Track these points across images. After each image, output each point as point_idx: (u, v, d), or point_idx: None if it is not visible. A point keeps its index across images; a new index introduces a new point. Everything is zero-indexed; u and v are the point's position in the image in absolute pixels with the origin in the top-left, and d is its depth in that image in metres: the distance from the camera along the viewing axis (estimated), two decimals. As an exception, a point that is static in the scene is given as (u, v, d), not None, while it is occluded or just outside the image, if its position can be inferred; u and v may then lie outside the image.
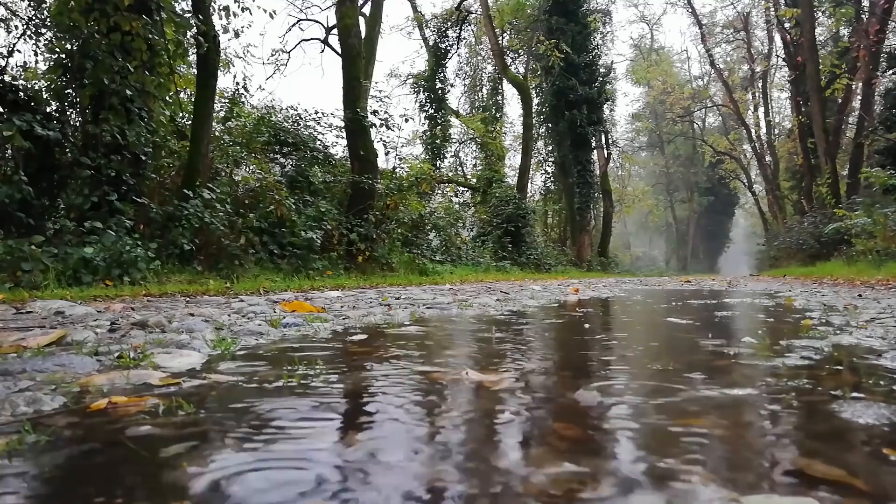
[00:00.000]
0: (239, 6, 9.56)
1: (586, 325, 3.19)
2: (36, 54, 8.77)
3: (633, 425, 1.10)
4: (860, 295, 5.75)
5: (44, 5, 8.57)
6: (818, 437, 1.02)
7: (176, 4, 9.12)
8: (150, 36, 7.90)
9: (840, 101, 22.52)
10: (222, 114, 13.05)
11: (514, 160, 32.45)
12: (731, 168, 43.17)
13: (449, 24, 27.68)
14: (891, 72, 19.78)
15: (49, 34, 8.53)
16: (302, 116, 14.38)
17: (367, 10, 17.72)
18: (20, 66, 8.82)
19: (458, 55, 30.13)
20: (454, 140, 29.08)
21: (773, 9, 28.87)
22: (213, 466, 0.87)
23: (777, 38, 31.91)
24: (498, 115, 29.64)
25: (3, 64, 7.93)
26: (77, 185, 7.32)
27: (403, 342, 2.33)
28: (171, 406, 1.21)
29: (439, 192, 22.84)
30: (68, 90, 7.83)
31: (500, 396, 1.36)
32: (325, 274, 9.89)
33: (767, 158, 34.98)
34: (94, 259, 6.09)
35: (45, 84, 8.10)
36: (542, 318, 3.70)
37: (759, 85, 35.69)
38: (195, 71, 9.98)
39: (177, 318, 2.94)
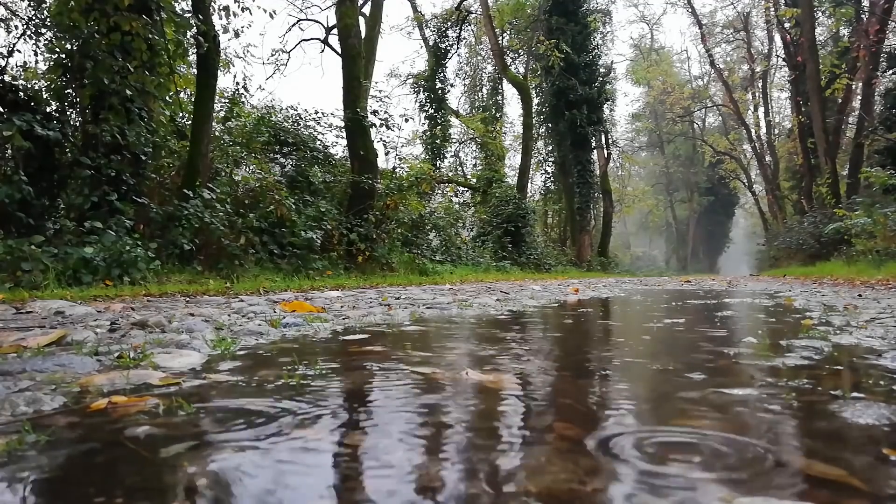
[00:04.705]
0: (239, 6, 9.57)
1: (586, 326, 3.19)
2: (36, 54, 8.79)
3: (633, 425, 1.10)
4: (860, 295, 5.75)
5: (44, 5, 8.57)
6: (818, 437, 1.02)
7: (176, 4, 9.13)
8: (150, 36, 7.90)
9: (840, 101, 22.51)
10: (222, 114, 13.05)
11: (514, 160, 32.51)
12: (731, 168, 43.17)
13: (449, 24, 27.67)
14: (891, 72, 19.79)
15: (49, 34, 8.54)
16: (302, 116, 14.39)
17: (367, 10, 17.74)
18: (20, 66, 8.84)
19: (458, 55, 30.18)
20: (454, 140, 29.10)
21: (773, 9, 28.87)
22: (213, 467, 0.87)
23: (777, 38, 31.95)
24: (498, 115, 29.64)
25: (3, 64, 7.94)
26: (77, 185, 7.32)
27: (403, 342, 2.33)
28: (171, 406, 1.21)
29: (439, 192, 22.82)
30: (68, 90, 7.83)
31: (500, 396, 1.36)
32: (325, 274, 9.89)
33: (767, 158, 34.99)
34: (94, 259, 6.09)
35: (45, 84, 8.10)
36: (542, 319, 3.70)
37: (759, 85, 35.70)
38: (195, 71, 9.99)
39: (177, 318, 2.94)
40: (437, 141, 26.59)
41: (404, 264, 12.92)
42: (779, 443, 0.99)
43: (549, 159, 30.24)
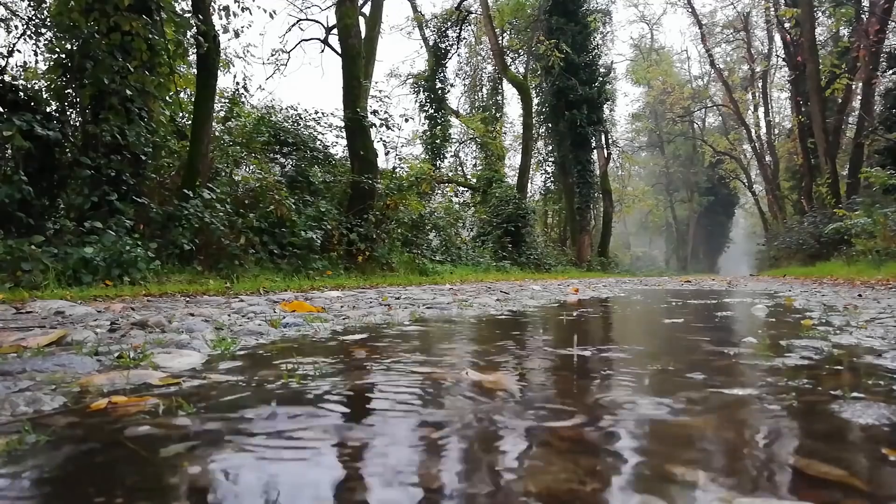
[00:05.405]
0: (239, 6, 9.57)
1: (586, 326, 3.19)
2: (36, 54, 8.78)
3: (633, 425, 1.10)
4: (860, 295, 5.75)
5: (44, 5, 8.57)
6: (818, 437, 1.02)
7: (176, 4, 9.12)
8: (150, 36, 7.90)
9: (840, 101, 22.52)
10: (222, 114, 13.05)
11: (514, 160, 32.52)
12: (731, 168, 43.18)
13: (449, 24, 27.67)
14: (891, 72, 19.79)
15: (49, 34, 8.53)
16: (302, 116, 14.39)
17: (367, 10, 17.73)
18: (20, 66, 8.83)
19: (458, 55, 30.17)
20: (454, 140, 29.08)
21: (773, 9, 28.88)
22: (213, 467, 0.87)
23: (777, 38, 31.97)
24: (498, 115, 29.64)
25: (3, 64, 7.93)
26: (77, 185, 7.32)
27: (403, 342, 2.33)
28: (171, 406, 1.21)
29: (439, 192, 22.82)
30: (68, 90, 7.83)
31: (500, 396, 1.36)
32: (325, 274, 9.89)
33: (767, 158, 34.99)
34: (94, 259, 6.09)
35: (45, 84, 8.09)
36: (542, 319, 3.70)
37: (759, 85, 35.70)
38: (195, 71, 9.98)
39: (177, 318, 2.94)
40: (437, 141, 26.58)
41: (404, 264, 12.92)
42: (779, 442, 0.99)
43: (549, 159, 30.23)
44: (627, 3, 53.95)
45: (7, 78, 7.60)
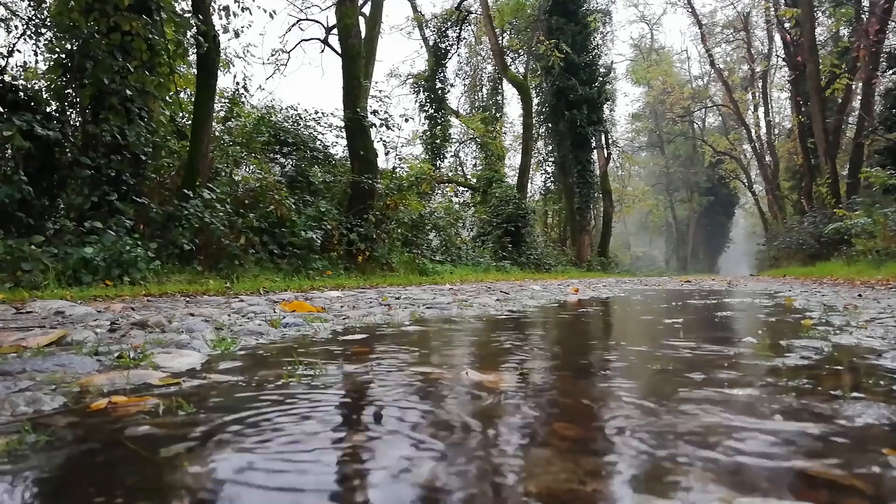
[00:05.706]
0: (239, 6, 9.57)
1: (586, 326, 3.19)
2: (36, 54, 8.79)
3: (632, 425, 1.10)
4: (860, 295, 5.75)
5: (44, 5, 8.57)
6: (818, 437, 1.02)
7: (176, 4, 9.12)
8: (150, 36, 7.90)
9: (840, 101, 22.51)
10: (222, 114, 13.05)
11: (514, 160, 32.51)
12: (731, 168, 43.17)
13: (449, 24, 27.67)
14: (891, 72, 19.79)
15: (49, 34, 8.54)
16: (302, 116, 14.40)
17: (367, 10, 17.74)
18: (20, 66, 8.84)
19: (458, 55, 30.19)
20: (454, 140, 29.08)
21: (773, 9, 28.88)
22: (212, 467, 0.87)
23: (777, 38, 31.96)
24: (498, 115, 29.63)
25: (3, 64, 7.93)
26: (77, 185, 7.32)
27: (403, 342, 2.32)
28: (171, 406, 1.21)
29: (439, 192, 22.82)
30: (68, 90, 7.83)
31: (500, 396, 1.36)
32: (325, 274, 9.89)
33: (767, 158, 34.98)
34: (94, 259, 6.09)
35: (45, 84, 8.10)
36: (542, 319, 3.70)
37: (759, 85, 35.69)
38: (195, 71, 9.98)
39: (177, 318, 2.94)
40: (437, 141, 26.58)
41: (404, 264, 12.92)
42: (779, 442, 0.99)
43: (549, 159, 30.23)
44: (627, 3, 54.03)
45: (7, 78, 7.60)
